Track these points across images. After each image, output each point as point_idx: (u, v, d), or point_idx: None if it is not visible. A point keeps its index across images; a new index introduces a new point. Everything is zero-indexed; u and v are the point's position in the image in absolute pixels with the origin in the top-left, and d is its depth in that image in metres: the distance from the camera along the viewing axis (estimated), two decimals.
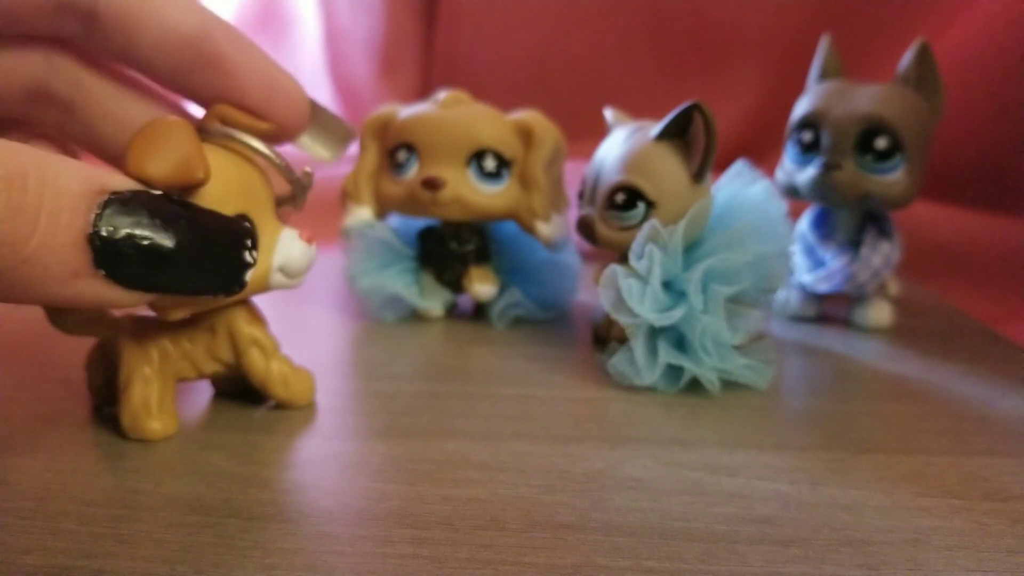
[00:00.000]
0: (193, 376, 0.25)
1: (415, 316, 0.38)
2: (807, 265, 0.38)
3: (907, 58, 0.35)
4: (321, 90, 0.85)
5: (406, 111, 0.36)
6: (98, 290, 0.18)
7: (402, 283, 0.37)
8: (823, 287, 0.37)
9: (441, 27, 0.78)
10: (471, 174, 0.35)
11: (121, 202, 0.18)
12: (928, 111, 0.34)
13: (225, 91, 0.23)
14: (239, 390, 0.27)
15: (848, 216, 0.37)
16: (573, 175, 0.36)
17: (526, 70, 0.74)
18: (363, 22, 0.81)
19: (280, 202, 0.25)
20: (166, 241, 0.19)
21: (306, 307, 0.40)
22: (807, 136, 0.36)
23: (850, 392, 0.30)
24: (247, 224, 0.22)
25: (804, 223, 0.38)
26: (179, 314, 0.22)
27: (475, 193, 0.35)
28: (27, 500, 0.20)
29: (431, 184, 0.34)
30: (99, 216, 0.18)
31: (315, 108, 0.26)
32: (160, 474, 0.22)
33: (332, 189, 0.39)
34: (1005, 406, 0.28)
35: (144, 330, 0.24)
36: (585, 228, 0.31)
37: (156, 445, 0.24)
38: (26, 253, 0.17)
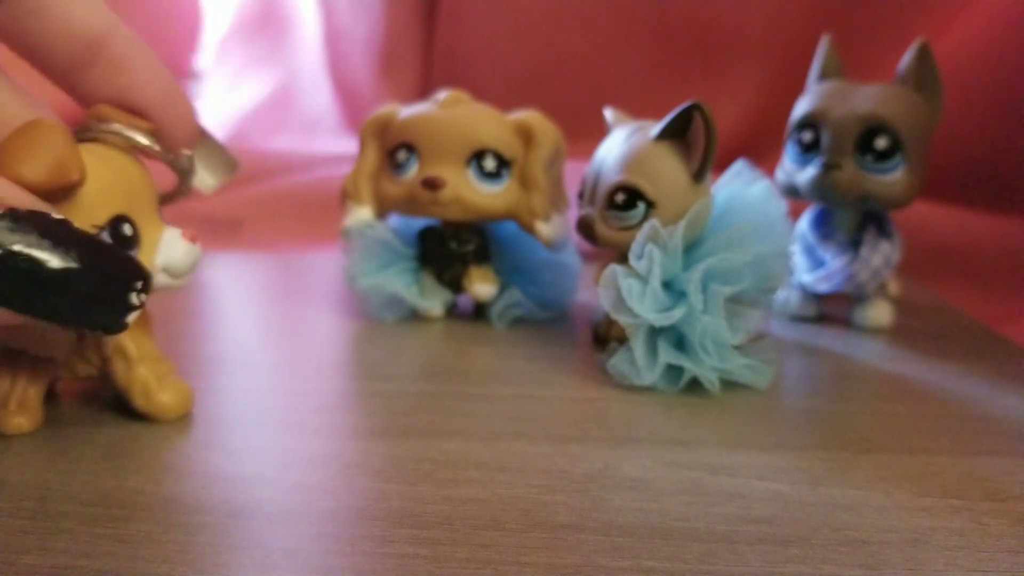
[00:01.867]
0: (67, 376, 0.25)
1: (415, 316, 0.38)
2: (807, 265, 0.38)
3: (907, 58, 0.35)
4: (321, 90, 0.85)
5: (406, 111, 0.36)
6: None
7: (402, 283, 0.37)
8: (823, 287, 0.37)
9: (441, 27, 0.78)
10: (471, 174, 0.35)
11: (13, 218, 0.18)
12: (928, 111, 0.34)
13: (120, 94, 0.23)
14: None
15: (848, 216, 0.37)
16: (573, 175, 0.36)
17: (526, 70, 0.74)
18: (363, 22, 0.81)
19: (170, 196, 0.25)
20: (50, 264, 0.18)
21: (306, 307, 0.40)
22: (807, 136, 0.36)
23: (850, 392, 0.30)
24: (141, 267, 0.21)
25: (804, 223, 0.38)
26: (55, 351, 0.22)
27: (475, 193, 0.35)
28: (27, 500, 0.20)
29: (431, 184, 0.34)
30: None
31: (203, 134, 0.26)
32: (160, 474, 0.22)
33: (332, 189, 0.39)
34: (1005, 406, 0.28)
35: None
36: (585, 228, 0.31)
37: (156, 445, 0.24)
38: None
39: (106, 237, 0.22)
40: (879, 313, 0.38)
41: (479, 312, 0.39)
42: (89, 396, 0.27)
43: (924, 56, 0.34)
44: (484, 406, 0.27)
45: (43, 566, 0.18)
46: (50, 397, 0.26)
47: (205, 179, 0.27)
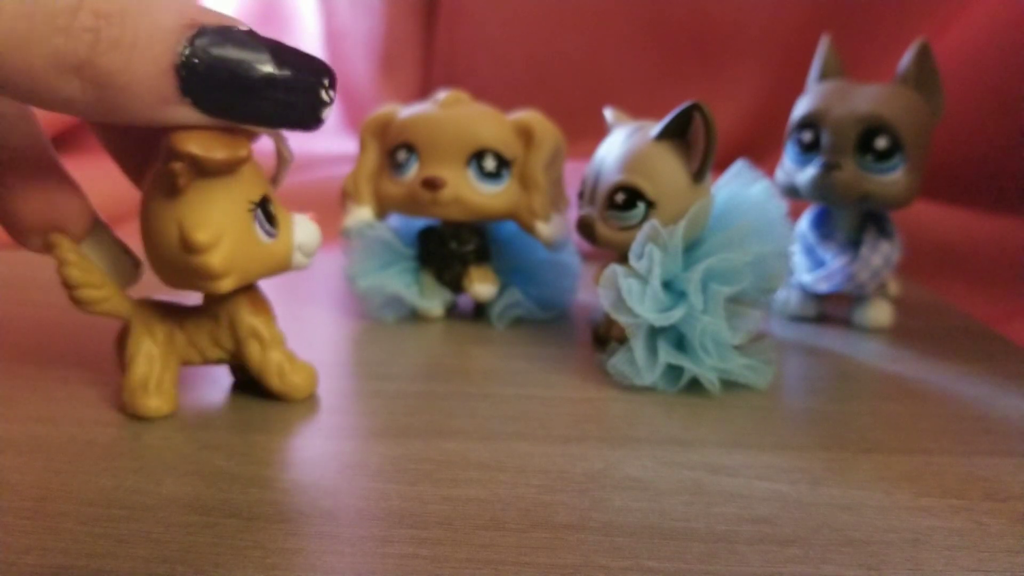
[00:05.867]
0: (198, 361, 0.26)
1: (415, 316, 0.38)
2: (807, 265, 0.38)
3: (907, 58, 0.35)
4: None
5: (406, 111, 0.36)
6: (186, 116, 0.20)
7: (402, 283, 0.37)
8: (823, 287, 0.37)
9: (441, 27, 0.78)
10: (471, 174, 0.35)
11: (209, 34, 0.20)
12: (928, 111, 0.34)
13: None
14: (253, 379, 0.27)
15: (848, 216, 0.37)
16: (573, 175, 0.36)
17: (526, 70, 0.74)
18: (363, 22, 0.81)
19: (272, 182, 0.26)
20: (248, 70, 0.20)
21: (306, 307, 0.40)
22: (807, 136, 0.36)
23: (850, 392, 0.30)
24: (326, 64, 0.22)
25: (804, 223, 0.38)
26: (227, 284, 0.23)
27: (475, 193, 0.35)
28: (27, 500, 0.20)
29: (431, 184, 0.34)
30: (187, 48, 0.19)
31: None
32: (160, 474, 0.22)
33: (332, 189, 0.39)
34: (1005, 406, 0.28)
35: (154, 312, 0.26)
36: (585, 228, 0.31)
37: (156, 445, 0.24)
38: (122, 82, 0.19)
39: (260, 215, 0.23)
40: (879, 313, 0.38)
41: (479, 312, 0.39)
42: (88, 396, 0.27)
43: (924, 56, 0.34)
44: (484, 406, 0.27)
45: (43, 566, 0.18)
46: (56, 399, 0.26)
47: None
